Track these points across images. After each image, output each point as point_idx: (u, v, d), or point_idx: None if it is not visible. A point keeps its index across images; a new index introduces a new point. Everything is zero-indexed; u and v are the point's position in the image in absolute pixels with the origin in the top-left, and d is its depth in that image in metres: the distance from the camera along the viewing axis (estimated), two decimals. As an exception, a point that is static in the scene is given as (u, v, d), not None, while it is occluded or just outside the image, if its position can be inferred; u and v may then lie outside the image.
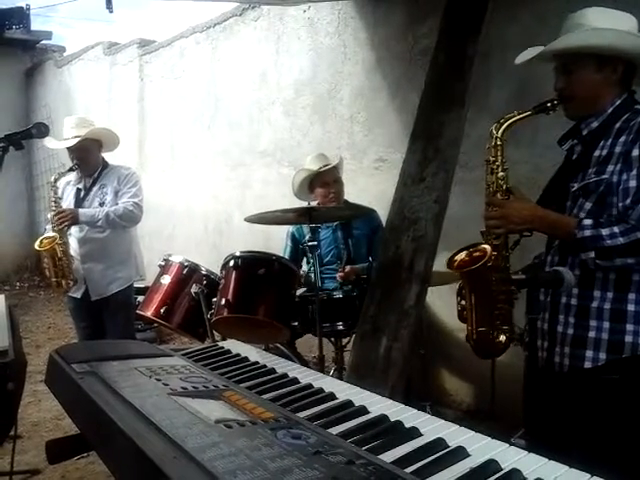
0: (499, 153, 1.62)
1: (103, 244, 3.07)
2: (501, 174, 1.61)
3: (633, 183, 1.41)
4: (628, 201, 1.41)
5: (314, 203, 3.06)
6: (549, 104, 1.59)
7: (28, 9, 6.85)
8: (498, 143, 1.62)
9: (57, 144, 3.23)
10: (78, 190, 3.14)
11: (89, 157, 3.09)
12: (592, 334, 1.49)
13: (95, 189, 3.10)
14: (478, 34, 2.46)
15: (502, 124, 1.62)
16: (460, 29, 2.48)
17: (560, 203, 1.58)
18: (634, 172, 1.42)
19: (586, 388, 1.50)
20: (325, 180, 3.01)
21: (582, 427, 1.52)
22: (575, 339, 1.52)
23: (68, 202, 3.11)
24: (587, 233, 1.43)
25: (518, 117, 1.61)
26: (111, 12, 3.81)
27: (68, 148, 3.08)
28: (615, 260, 1.42)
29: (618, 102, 1.54)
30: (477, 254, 1.62)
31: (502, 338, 1.63)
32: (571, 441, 1.52)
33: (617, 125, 1.51)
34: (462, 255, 1.66)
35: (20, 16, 6.81)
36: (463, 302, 1.67)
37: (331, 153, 3.36)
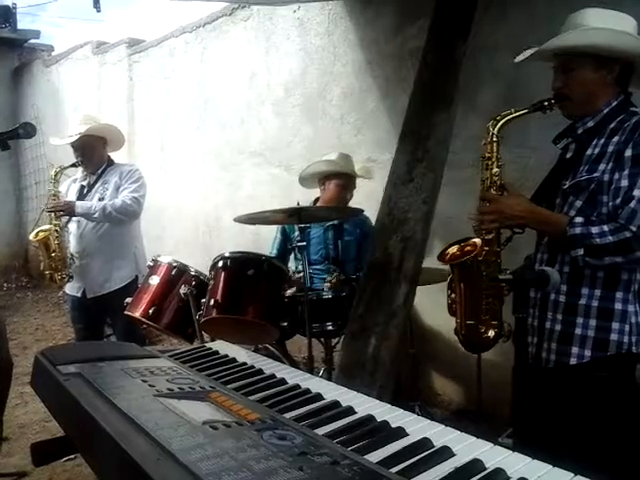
0: (495, 149, 1.63)
1: (100, 240, 3.03)
2: (496, 170, 1.62)
3: (624, 183, 1.43)
4: (618, 200, 1.43)
5: (313, 198, 3.07)
6: (546, 103, 1.60)
7: (15, 8, 6.81)
8: (494, 139, 1.63)
9: (60, 141, 3.19)
10: (82, 187, 3.13)
11: (93, 154, 3.07)
12: (578, 331, 1.51)
13: (97, 185, 3.08)
14: (467, 35, 2.46)
15: (499, 121, 1.63)
16: (449, 30, 2.48)
17: (551, 201, 1.59)
18: (626, 172, 1.43)
19: (571, 384, 1.52)
20: (344, 183, 2.96)
21: (569, 423, 1.53)
22: (562, 335, 1.53)
23: (70, 198, 3.08)
24: (577, 230, 1.44)
25: (515, 114, 1.62)
26: (98, 11, 3.81)
27: (71, 145, 3.05)
28: (604, 258, 1.43)
29: (614, 103, 1.55)
30: (468, 248, 1.64)
31: (491, 333, 1.64)
32: (559, 437, 1.54)
33: (611, 125, 1.52)
34: (454, 249, 1.68)
35: (6, 15, 6.76)
36: (453, 295, 1.69)
37: (321, 153, 3.35)
